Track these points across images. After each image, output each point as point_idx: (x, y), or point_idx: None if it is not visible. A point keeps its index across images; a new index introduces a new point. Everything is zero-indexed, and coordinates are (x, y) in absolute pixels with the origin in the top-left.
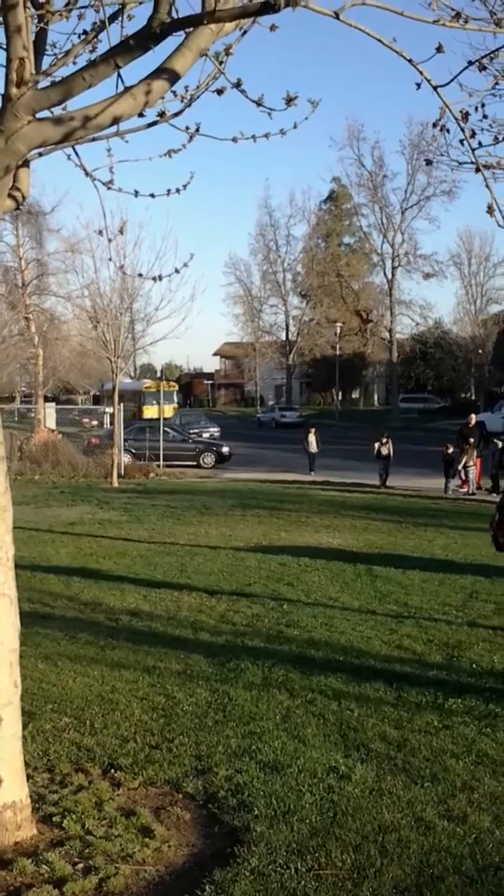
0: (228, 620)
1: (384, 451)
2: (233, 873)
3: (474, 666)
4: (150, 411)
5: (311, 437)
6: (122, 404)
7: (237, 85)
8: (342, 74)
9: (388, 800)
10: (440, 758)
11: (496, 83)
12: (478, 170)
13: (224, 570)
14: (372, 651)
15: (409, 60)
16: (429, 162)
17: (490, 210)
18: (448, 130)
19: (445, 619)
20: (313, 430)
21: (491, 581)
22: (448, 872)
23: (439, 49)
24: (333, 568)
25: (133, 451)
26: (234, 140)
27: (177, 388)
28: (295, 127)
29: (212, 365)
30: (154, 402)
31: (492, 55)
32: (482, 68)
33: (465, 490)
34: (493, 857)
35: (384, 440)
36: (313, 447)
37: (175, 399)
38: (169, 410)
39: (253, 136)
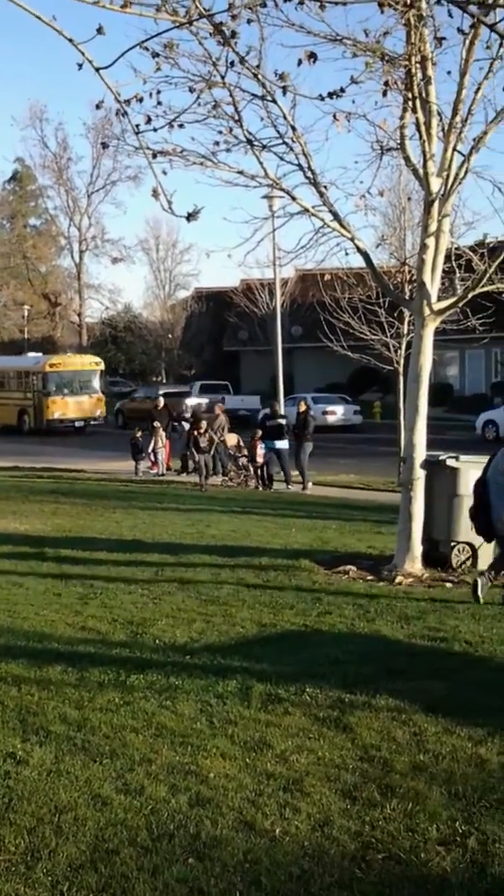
0: None
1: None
2: None
3: (157, 641)
4: (58, 406)
5: None
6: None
7: None
8: (27, 53)
9: (65, 780)
10: (120, 734)
11: (158, 68)
12: (154, 155)
13: None
14: (55, 634)
15: (70, 40)
16: (105, 146)
17: (155, 194)
18: (126, 114)
19: (131, 597)
20: None
21: (177, 558)
22: (124, 845)
23: (100, 30)
24: (19, 553)
25: None
26: None
27: (102, 366)
28: None
29: None
30: (66, 389)
31: (165, 43)
32: (155, 55)
33: (154, 472)
34: (167, 826)
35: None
36: None
37: (99, 384)
38: (93, 404)
39: None
